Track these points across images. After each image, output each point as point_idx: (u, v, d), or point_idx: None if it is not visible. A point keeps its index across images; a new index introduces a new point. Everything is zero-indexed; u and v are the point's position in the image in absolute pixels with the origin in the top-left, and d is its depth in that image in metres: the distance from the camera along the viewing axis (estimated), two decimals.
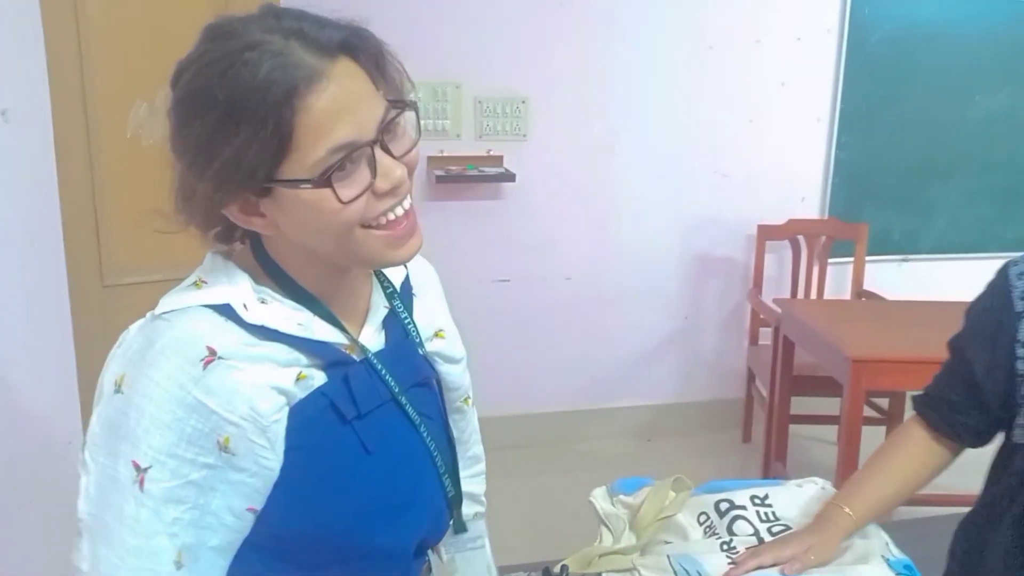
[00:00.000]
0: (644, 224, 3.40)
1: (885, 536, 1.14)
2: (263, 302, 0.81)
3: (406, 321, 0.94)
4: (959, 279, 3.59)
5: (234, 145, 0.71)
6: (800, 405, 3.09)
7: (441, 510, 0.96)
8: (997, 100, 3.58)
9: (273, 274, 0.84)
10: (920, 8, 3.41)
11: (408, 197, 0.81)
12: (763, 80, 3.37)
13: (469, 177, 3.08)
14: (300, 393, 0.81)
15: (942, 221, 3.67)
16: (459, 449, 1.05)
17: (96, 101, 1.64)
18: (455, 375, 1.03)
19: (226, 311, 0.78)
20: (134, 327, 0.80)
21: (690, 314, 3.56)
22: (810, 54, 3.39)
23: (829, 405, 3.23)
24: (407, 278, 1.00)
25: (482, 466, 1.18)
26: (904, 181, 3.59)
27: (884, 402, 3.22)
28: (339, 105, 0.73)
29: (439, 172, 3.06)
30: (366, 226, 0.78)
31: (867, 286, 3.43)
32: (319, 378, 0.82)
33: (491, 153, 3.14)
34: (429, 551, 0.98)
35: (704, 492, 1.24)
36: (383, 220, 0.78)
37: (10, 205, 1.46)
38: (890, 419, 3.17)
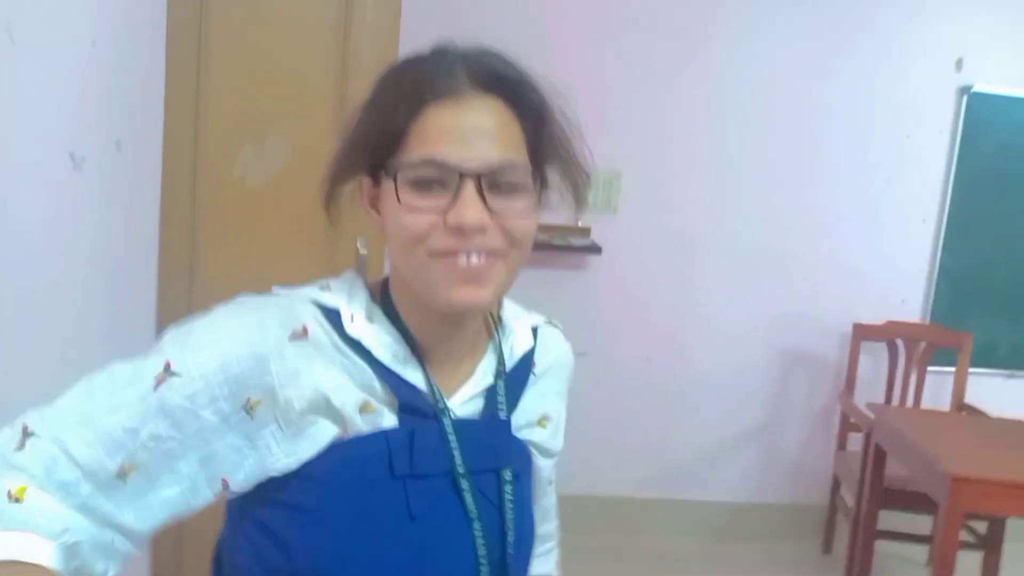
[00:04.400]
0: (731, 311, 3.29)
1: None
2: (370, 320, 0.81)
3: (499, 401, 0.87)
4: None
5: (365, 123, 0.79)
6: (888, 520, 2.88)
7: None
8: None
9: (388, 312, 0.83)
10: None
11: (482, 254, 0.76)
12: (869, 175, 3.27)
13: (556, 247, 3.06)
14: (361, 425, 0.78)
15: None
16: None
17: (207, 139, 1.70)
18: (544, 469, 0.96)
19: (333, 316, 0.80)
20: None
21: (774, 410, 3.40)
22: (920, 153, 3.29)
23: (920, 524, 3.01)
24: (531, 352, 0.93)
25: (549, 545, 1.07)
26: (1013, 291, 3.40)
27: (981, 526, 2.97)
28: (453, 127, 0.75)
29: None
30: (432, 254, 0.76)
31: (968, 400, 3.21)
32: (388, 419, 0.80)
33: (580, 225, 3.12)
34: None
35: None
36: (455, 260, 0.76)
37: (109, 233, 1.50)
38: (988, 545, 2.91)
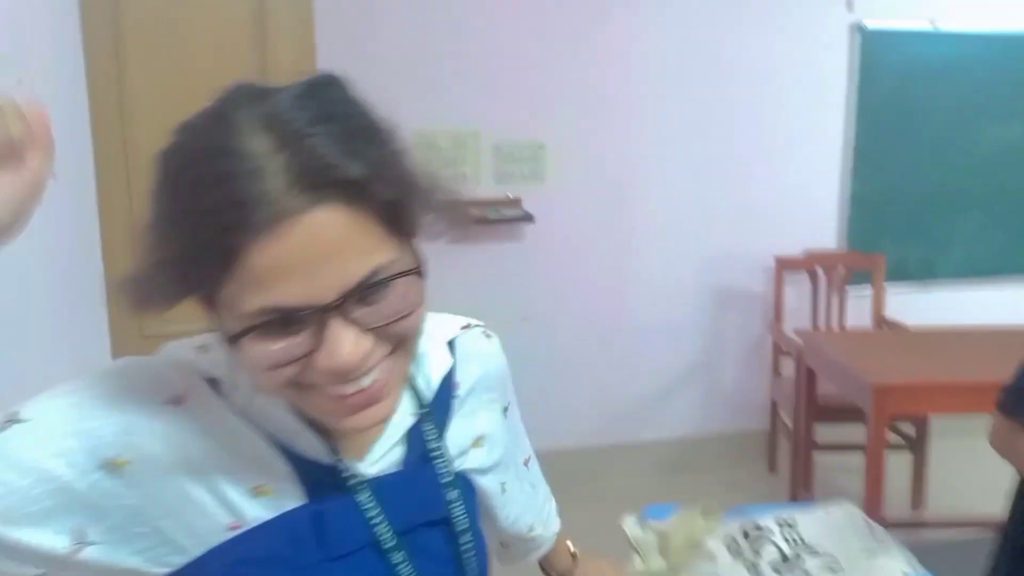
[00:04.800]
0: (662, 260, 3.46)
1: (907, 554, 1.17)
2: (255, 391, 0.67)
3: (427, 442, 0.75)
4: (977, 305, 3.65)
5: (178, 250, 0.58)
6: (826, 434, 3.11)
7: None
8: (1009, 131, 3.64)
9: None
10: (929, 46, 3.51)
11: (374, 372, 0.62)
12: (778, 117, 3.45)
13: (488, 220, 3.16)
14: (260, 512, 0.66)
15: (958, 249, 3.71)
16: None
17: (136, 152, 1.74)
18: (492, 484, 0.84)
19: (213, 385, 0.67)
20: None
21: (711, 347, 3.59)
22: (823, 91, 3.48)
23: (855, 433, 3.25)
24: (450, 373, 0.80)
25: (545, 533, 1.01)
26: (920, 211, 3.64)
27: (910, 429, 3.22)
28: (293, 261, 0.56)
29: None
30: (303, 389, 0.62)
31: (888, 314, 3.46)
32: (292, 498, 0.67)
33: (509, 197, 3.22)
34: None
35: (732, 517, 1.28)
36: (329, 391, 0.61)
37: (53, 254, 1.54)
38: (915, 446, 3.17)
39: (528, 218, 3.21)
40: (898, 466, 3.01)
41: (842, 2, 3.45)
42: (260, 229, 0.55)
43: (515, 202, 3.23)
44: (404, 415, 0.74)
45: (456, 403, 0.80)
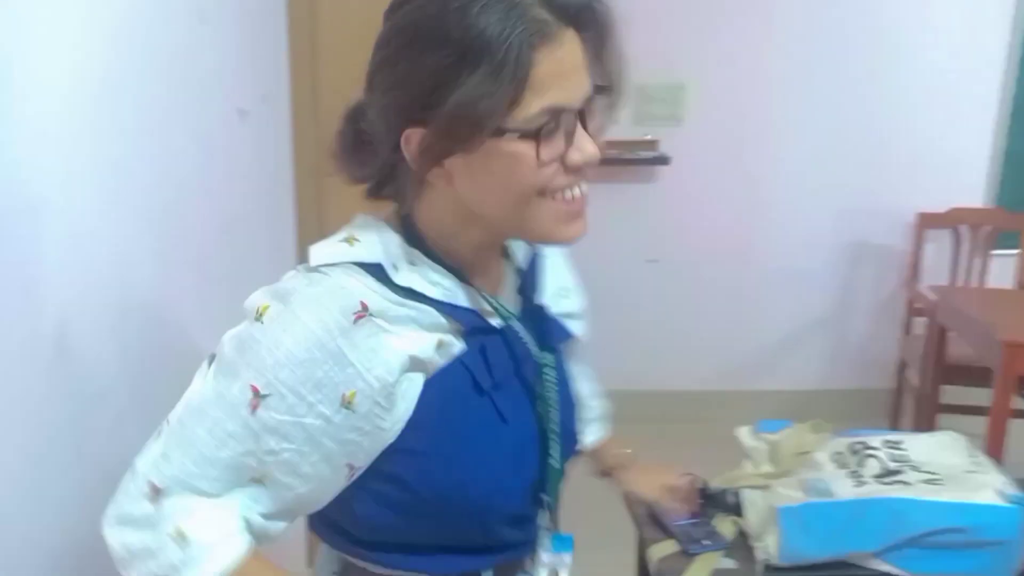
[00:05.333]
0: (796, 209, 3.45)
1: (1007, 475, 1.24)
2: (412, 263, 0.82)
3: (531, 289, 0.97)
4: None
5: (468, 87, 0.70)
6: (954, 396, 3.06)
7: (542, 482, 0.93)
8: None
9: (413, 242, 0.84)
10: None
11: (583, 184, 0.80)
12: (928, 66, 3.33)
13: (624, 160, 3.26)
14: (440, 360, 0.82)
15: None
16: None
17: (324, 88, 1.97)
18: (574, 329, 1.04)
19: (376, 271, 0.79)
20: (287, 275, 0.81)
21: (841, 301, 3.57)
22: (979, 43, 3.32)
23: (983, 397, 3.17)
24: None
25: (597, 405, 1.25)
26: None
27: None
28: (562, 68, 0.74)
29: None
30: (543, 195, 0.78)
31: None
32: (458, 346, 0.83)
33: (647, 138, 3.30)
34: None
35: (842, 435, 1.37)
36: (563, 195, 0.79)
37: (248, 199, 1.79)
38: None
39: (663, 160, 3.28)
40: (1021, 435, 2.93)
41: None
42: (545, 38, 0.72)
43: (652, 143, 3.31)
44: (511, 274, 0.95)
45: (544, 262, 1.00)
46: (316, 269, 0.79)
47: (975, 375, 2.85)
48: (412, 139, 0.77)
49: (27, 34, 0.90)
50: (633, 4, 3.10)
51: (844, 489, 1.19)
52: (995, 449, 2.38)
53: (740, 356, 3.60)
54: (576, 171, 0.78)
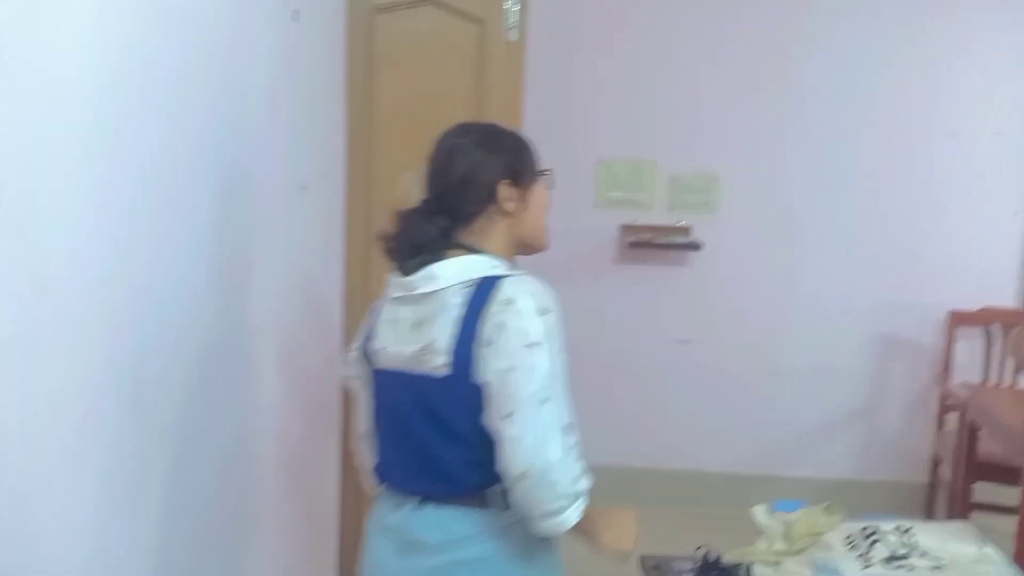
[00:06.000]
0: (830, 300, 3.50)
1: (1012, 570, 1.27)
2: None
3: None
4: None
5: (523, 162, 1.39)
6: (987, 493, 3.03)
7: None
8: None
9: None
10: None
11: None
12: (960, 170, 3.42)
13: (658, 244, 3.37)
14: None
15: None
16: None
17: (378, 168, 2.13)
18: None
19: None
20: (506, 286, 1.23)
21: (875, 393, 3.58)
22: (1008, 147, 3.41)
23: (1015, 496, 3.13)
24: None
25: None
26: None
27: None
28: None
29: (632, 239, 3.38)
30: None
31: None
32: None
33: (681, 224, 3.42)
34: None
35: (856, 520, 1.42)
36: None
37: (302, 265, 1.94)
38: None
39: (696, 246, 3.38)
40: None
41: None
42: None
43: (685, 230, 3.42)
44: None
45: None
46: (519, 276, 1.27)
47: (1006, 473, 2.83)
48: (504, 188, 1.32)
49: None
50: (670, 99, 3.30)
51: (852, 570, 1.23)
52: (1021, 551, 2.36)
53: (772, 440, 3.61)
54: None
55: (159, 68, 1.13)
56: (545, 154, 3.36)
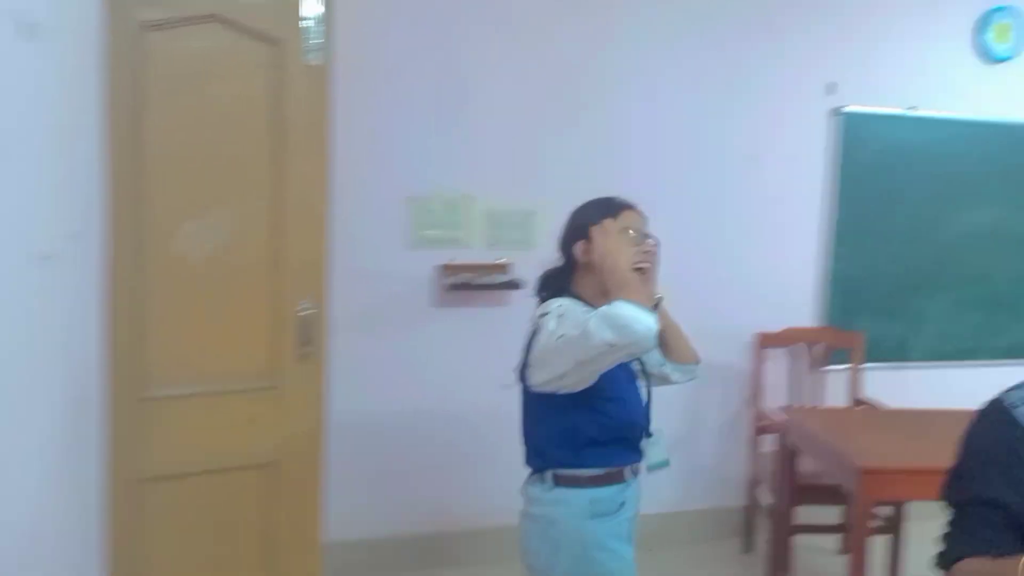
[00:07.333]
0: None
1: None
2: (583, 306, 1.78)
3: None
4: (950, 386, 3.72)
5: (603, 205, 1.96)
6: (801, 514, 3.10)
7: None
8: (982, 215, 3.78)
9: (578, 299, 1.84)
10: (907, 131, 3.66)
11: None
12: (760, 197, 3.53)
13: (477, 285, 3.16)
14: None
15: (933, 330, 3.80)
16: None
17: (150, 219, 1.72)
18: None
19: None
20: (544, 307, 1.83)
21: (689, 421, 3.60)
22: (803, 172, 3.58)
23: (829, 514, 3.26)
24: None
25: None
26: (896, 291, 3.74)
27: (885, 509, 3.24)
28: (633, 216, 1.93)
29: (450, 280, 3.14)
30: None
31: (864, 394, 3.51)
32: None
33: (500, 261, 3.23)
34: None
35: None
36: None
37: (52, 318, 1.50)
38: (893, 528, 3.18)
39: (515, 285, 3.22)
40: (878, 550, 3.02)
41: (822, 85, 3.58)
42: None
43: (504, 267, 3.25)
44: None
45: None
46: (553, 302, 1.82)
47: (825, 493, 2.91)
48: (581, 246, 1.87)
49: None
50: (486, 131, 3.08)
51: None
52: (859, 570, 2.40)
53: None
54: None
55: None
56: (356, 190, 3.09)
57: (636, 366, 1.94)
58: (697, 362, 2.08)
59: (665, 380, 2.05)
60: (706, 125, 3.46)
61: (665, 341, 1.98)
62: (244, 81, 1.81)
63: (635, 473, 1.91)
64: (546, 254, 3.33)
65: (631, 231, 1.85)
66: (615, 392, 1.78)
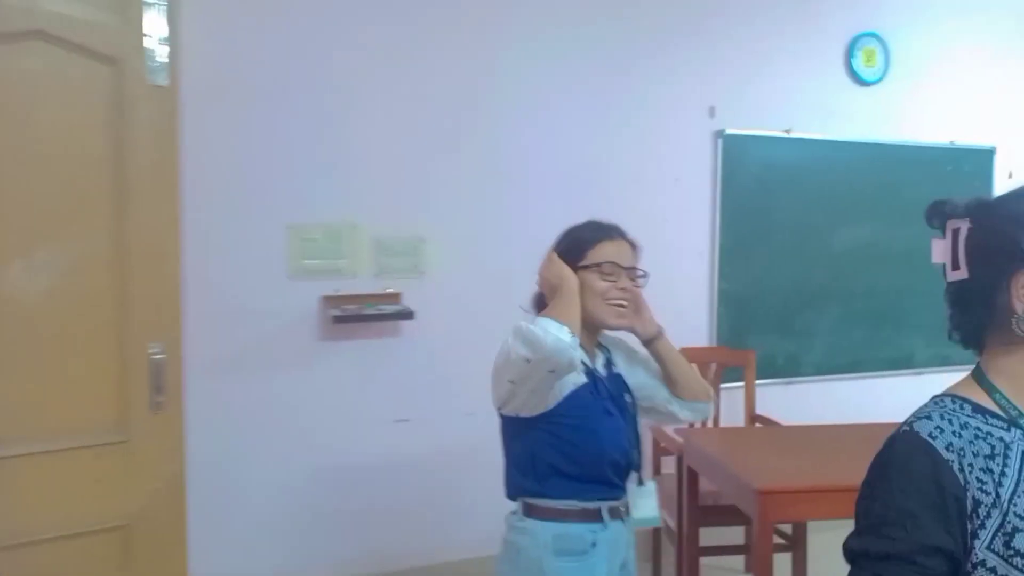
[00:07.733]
0: None
1: None
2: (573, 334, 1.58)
3: (615, 367, 1.84)
4: (839, 399, 3.81)
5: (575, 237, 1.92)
6: (705, 534, 3.07)
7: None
8: (860, 231, 3.91)
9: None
10: (785, 151, 3.74)
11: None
12: (647, 218, 3.50)
13: (367, 316, 3.02)
14: (574, 387, 1.68)
15: (821, 344, 3.88)
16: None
17: None
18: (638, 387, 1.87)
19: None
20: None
21: None
22: (689, 193, 3.61)
23: (732, 534, 3.24)
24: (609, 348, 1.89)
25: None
26: (784, 308, 3.81)
27: (787, 527, 3.25)
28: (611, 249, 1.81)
29: (336, 312, 2.98)
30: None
31: (758, 410, 3.53)
32: (582, 379, 1.69)
33: (389, 291, 3.10)
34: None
35: None
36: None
37: None
38: (795, 545, 3.19)
39: (407, 314, 3.08)
40: (781, 568, 3.01)
41: (705, 110, 3.63)
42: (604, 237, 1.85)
43: (394, 296, 3.11)
44: (601, 357, 1.82)
45: (614, 353, 1.88)
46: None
47: (727, 514, 2.89)
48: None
49: None
50: (367, 157, 2.94)
51: None
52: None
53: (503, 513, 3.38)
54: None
55: None
56: (224, 219, 2.90)
57: (627, 399, 1.79)
58: (708, 399, 1.89)
59: (673, 418, 1.89)
60: (593, 147, 3.45)
61: (668, 375, 1.85)
62: (79, 105, 1.63)
63: (617, 515, 1.73)
64: (438, 282, 3.25)
65: (603, 266, 1.73)
66: (584, 422, 1.66)
